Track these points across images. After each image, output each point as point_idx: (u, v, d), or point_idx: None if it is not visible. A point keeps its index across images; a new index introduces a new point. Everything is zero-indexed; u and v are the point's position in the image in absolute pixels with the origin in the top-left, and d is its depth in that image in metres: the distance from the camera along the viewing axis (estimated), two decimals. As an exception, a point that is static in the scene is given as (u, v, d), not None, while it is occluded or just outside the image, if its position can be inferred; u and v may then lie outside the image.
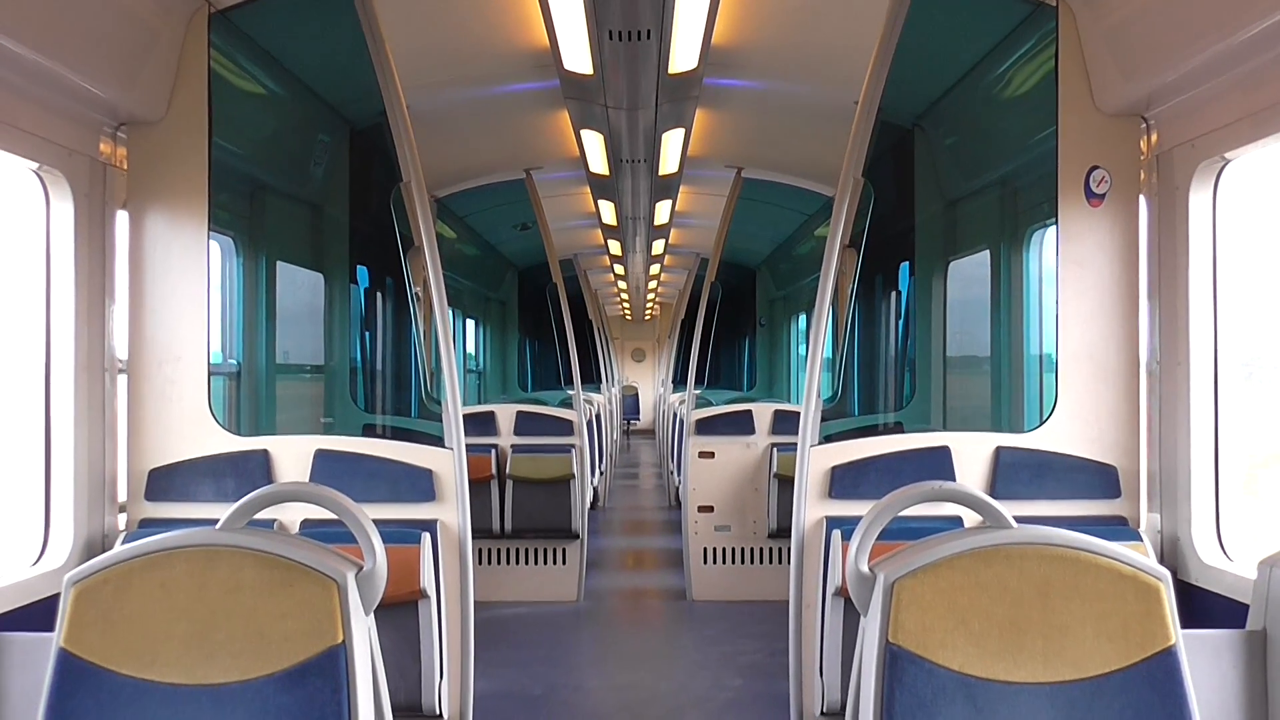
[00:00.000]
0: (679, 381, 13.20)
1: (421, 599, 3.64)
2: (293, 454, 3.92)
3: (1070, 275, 3.89)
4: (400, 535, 3.57)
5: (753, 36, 5.37)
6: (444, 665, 3.71)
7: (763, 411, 8.09)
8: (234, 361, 5.40)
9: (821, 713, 3.70)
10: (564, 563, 8.01)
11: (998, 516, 2.38)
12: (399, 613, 3.61)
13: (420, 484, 3.87)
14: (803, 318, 12.52)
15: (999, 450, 3.90)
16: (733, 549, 7.94)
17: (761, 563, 7.94)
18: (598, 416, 12.46)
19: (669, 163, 7.67)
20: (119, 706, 2.25)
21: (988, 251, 5.85)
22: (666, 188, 8.81)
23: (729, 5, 4.78)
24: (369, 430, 6.91)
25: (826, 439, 3.98)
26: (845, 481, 3.90)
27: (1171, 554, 3.68)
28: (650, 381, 28.70)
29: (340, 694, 2.27)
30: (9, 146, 3.26)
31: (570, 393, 8.70)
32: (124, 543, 3.58)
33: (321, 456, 3.91)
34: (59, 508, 3.61)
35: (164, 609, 2.29)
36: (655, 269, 16.89)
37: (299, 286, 6.38)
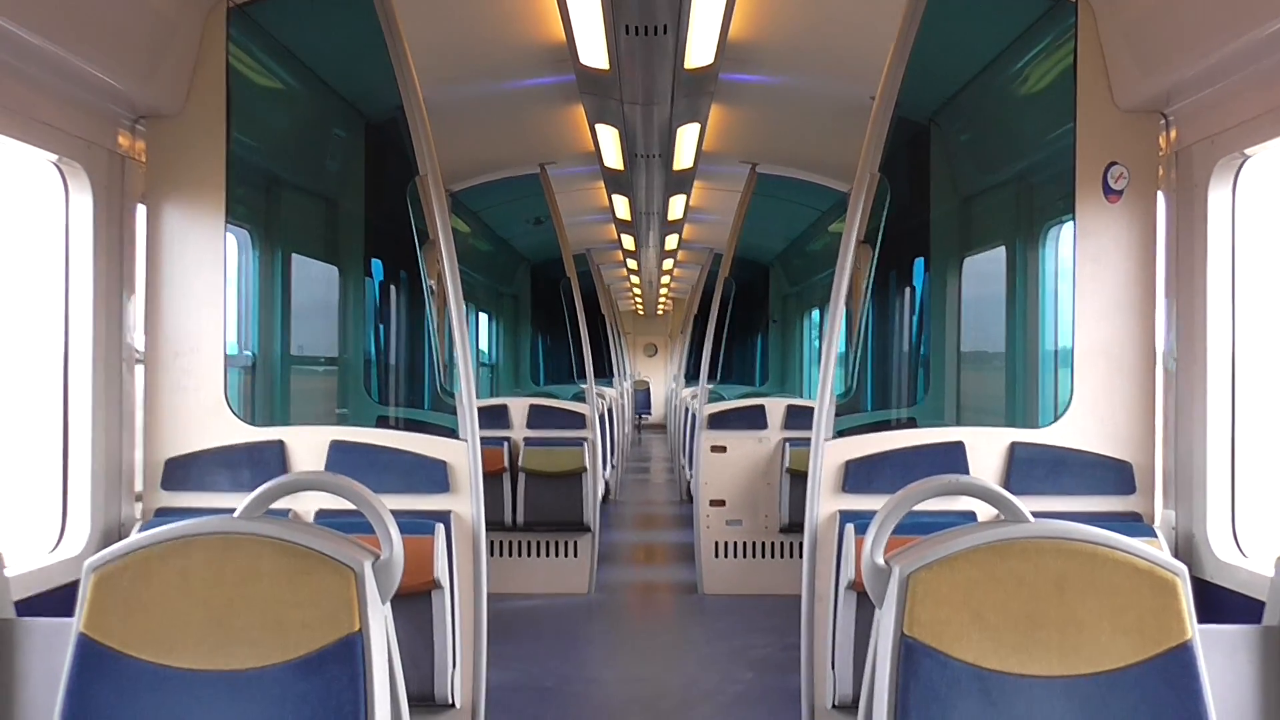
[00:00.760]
0: (691, 376, 13.21)
1: (435, 589, 3.66)
2: (308, 444, 3.94)
3: (1087, 271, 3.88)
4: (414, 526, 3.58)
5: (769, 32, 5.36)
6: (457, 656, 3.72)
7: (775, 406, 8.09)
8: (250, 353, 5.42)
9: (833, 706, 3.70)
10: (575, 556, 8.03)
11: (1014, 511, 2.38)
12: (413, 603, 3.62)
13: (434, 475, 3.89)
14: (815, 313, 12.50)
15: (1013, 446, 3.90)
16: (744, 543, 7.95)
17: (773, 557, 7.94)
18: (610, 410, 12.48)
19: (684, 158, 7.67)
20: (138, 692, 2.27)
21: (1003, 248, 5.83)
22: (681, 183, 8.81)
23: (745, 0, 4.77)
24: (382, 422, 6.93)
25: (839, 434, 3.98)
26: (859, 476, 3.89)
27: (1186, 550, 3.67)
28: (662, 376, 28.70)
29: (357, 682, 2.28)
30: (29, 138, 3.28)
31: (583, 387, 8.71)
32: (141, 531, 3.60)
33: (336, 447, 3.92)
34: (76, 496, 3.64)
35: (183, 596, 2.32)
36: (668, 264, 16.89)
37: (314, 279, 6.40)
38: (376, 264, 7.13)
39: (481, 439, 3.96)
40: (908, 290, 7.55)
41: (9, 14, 2.84)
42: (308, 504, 3.79)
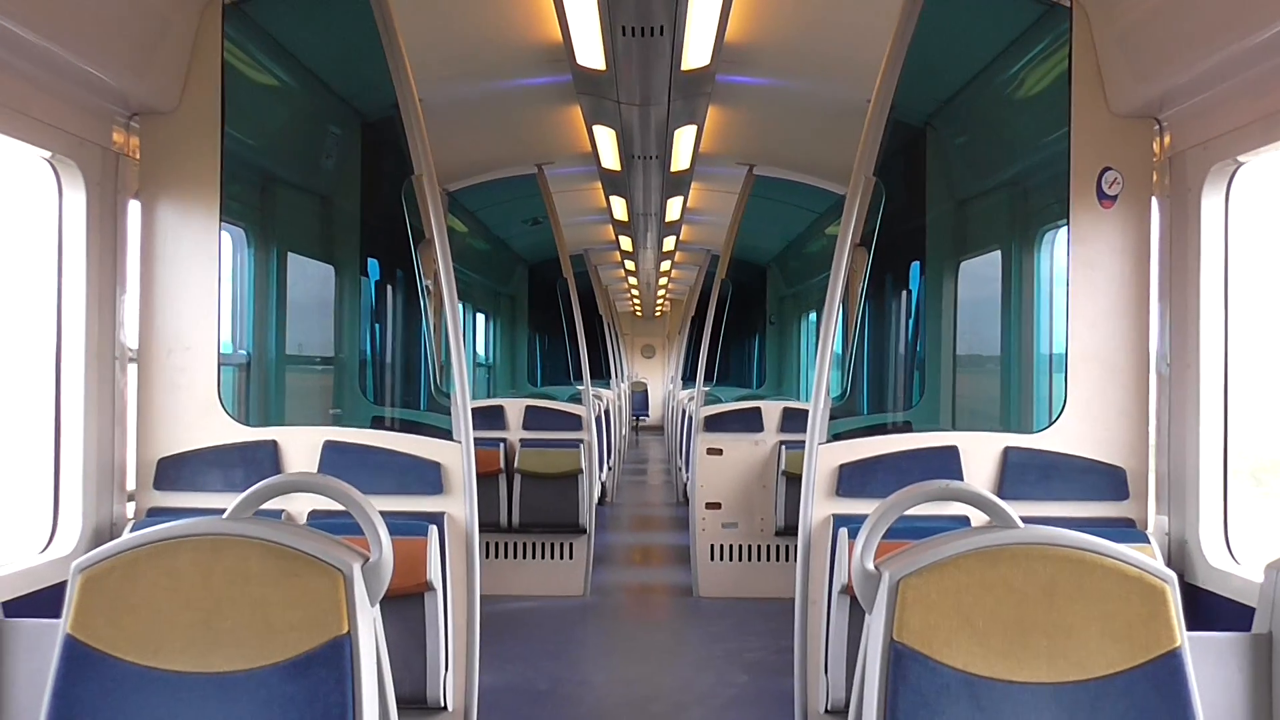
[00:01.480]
0: (688, 378, 13.20)
1: (428, 591, 3.65)
2: (301, 445, 3.93)
3: (1081, 276, 3.88)
4: (407, 527, 3.57)
5: (766, 34, 5.36)
6: (449, 658, 3.71)
7: (772, 409, 8.08)
8: (244, 352, 5.41)
9: (826, 710, 3.70)
10: (571, 557, 8.02)
11: (1004, 516, 2.37)
12: (405, 605, 3.61)
13: (428, 477, 3.88)
14: (812, 315, 12.50)
15: (1007, 450, 3.90)
16: (740, 546, 7.94)
17: (768, 560, 7.93)
18: (606, 412, 12.47)
19: (681, 159, 7.67)
20: (124, 693, 2.26)
21: (999, 251, 5.83)
22: (678, 184, 8.81)
23: (742, 2, 4.77)
24: (377, 422, 6.92)
25: (834, 437, 3.97)
26: (853, 480, 3.89)
27: (1179, 556, 3.67)
28: (659, 378, 28.68)
29: (344, 684, 2.28)
30: (22, 134, 3.27)
31: (579, 388, 8.71)
32: (132, 531, 3.59)
33: (330, 448, 3.91)
34: (68, 495, 3.63)
35: (170, 597, 2.31)
36: (666, 265, 16.89)
37: (309, 278, 6.40)
38: (372, 263, 7.13)
39: (477, 440, 3.95)
40: (903, 293, 7.55)
41: (2, 10, 2.83)
42: (300, 505, 3.78)
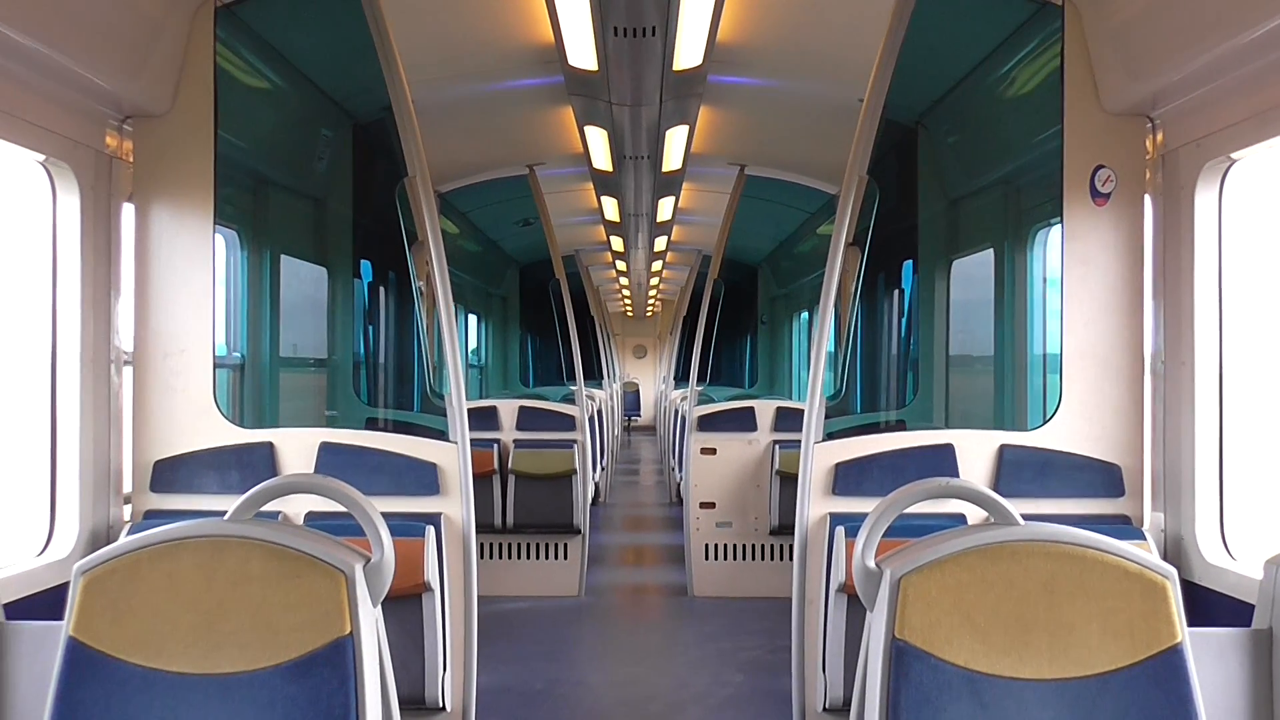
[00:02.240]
0: (681, 378, 13.21)
1: (425, 592, 3.65)
2: (297, 446, 3.93)
3: (1075, 274, 3.89)
4: (404, 528, 3.57)
5: (757, 34, 5.37)
6: (448, 658, 3.71)
7: (765, 408, 8.09)
8: (238, 354, 5.41)
9: (824, 708, 3.71)
10: (565, 558, 8.02)
11: (1005, 514, 2.38)
12: (402, 606, 3.61)
13: (424, 477, 3.88)
14: (804, 315, 12.52)
15: (1003, 448, 3.91)
16: (734, 545, 7.95)
17: (762, 559, 7.94)
18: (599, 412, 12.47)
19: (672, 159, 7.67)
20: (127, 695, 2.26)
21: (991, 250, 5.85)
22: (669, 184, 8.81)
23: (734, 2, 4.77)
24: (372, 424, 6.92)
25: (828, 436, 3.98)
26: (849, 478, 3.90)
27: (1175, 553, 3.68)
28: (651, 378, 28.71)
29: (347, 685, 2.28)
30: (15, 138, 3.26)
31: (572, 388, 8.70)
32: (129, 534, 3.58)
33: (326, 449, 3.91)
34: (65, 499, 3.62)
35: (172, 599, 2.30)
36: (657, 265, 16.89)
37: (303, 280, 6.39)
38: (365, 265, 7.13)
39: (471, 441, 3.95)
40: (896, 292, 7.57)
41: None
42: (298, 506, 3.78)
